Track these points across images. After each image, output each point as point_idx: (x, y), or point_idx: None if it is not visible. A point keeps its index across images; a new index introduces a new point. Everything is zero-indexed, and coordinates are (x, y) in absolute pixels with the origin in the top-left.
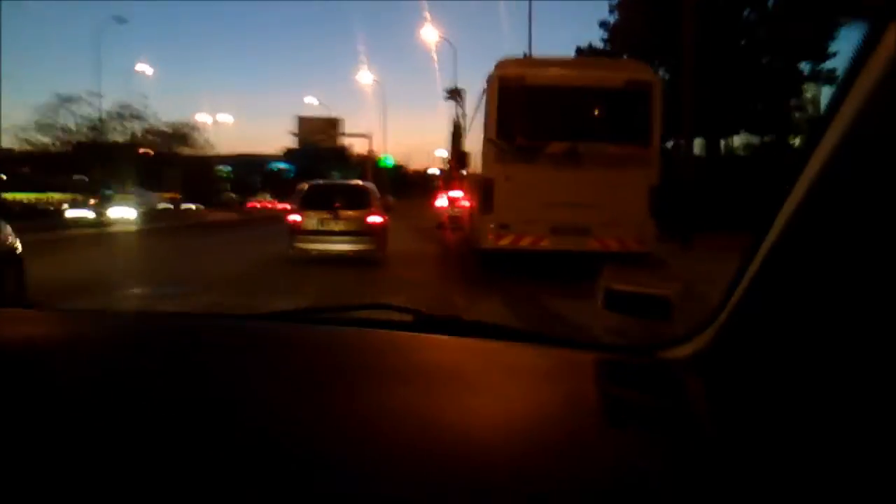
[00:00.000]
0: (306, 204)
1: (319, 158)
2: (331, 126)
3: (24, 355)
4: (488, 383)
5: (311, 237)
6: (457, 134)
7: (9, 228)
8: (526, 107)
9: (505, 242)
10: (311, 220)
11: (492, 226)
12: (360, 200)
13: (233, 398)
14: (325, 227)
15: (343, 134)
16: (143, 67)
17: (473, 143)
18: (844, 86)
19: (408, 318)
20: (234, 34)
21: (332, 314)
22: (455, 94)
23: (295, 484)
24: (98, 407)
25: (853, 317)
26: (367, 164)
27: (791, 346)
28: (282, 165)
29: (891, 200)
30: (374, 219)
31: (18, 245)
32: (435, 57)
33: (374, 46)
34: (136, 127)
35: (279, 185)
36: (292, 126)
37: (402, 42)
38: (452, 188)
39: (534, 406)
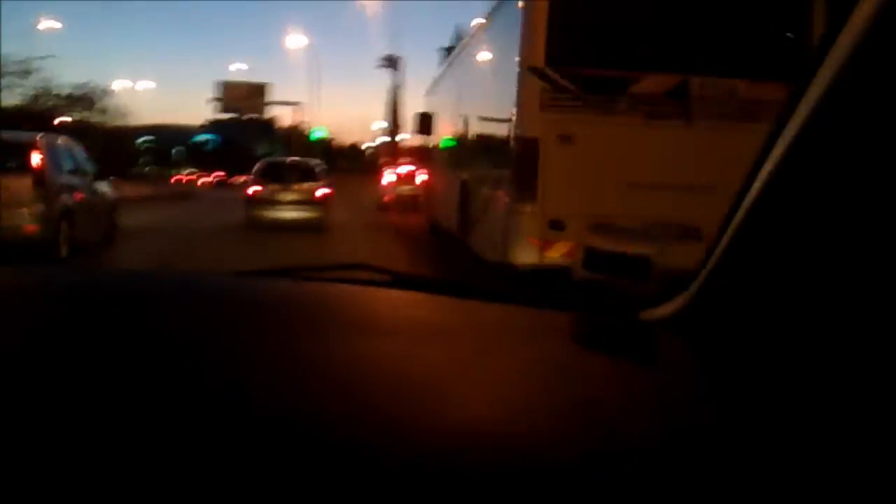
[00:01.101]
0: (262, 177)
1: (245, 130)
2: (257, 93)
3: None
4: (466, 337)
5: (268, 206)
6: (395, 102)
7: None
8: (598, 12)
9: (558, 254)
10: (267, 192)
11: (535, 224)
12: (308, 175)
13: (210, 353)
14: (279, 198)
15: (271, 102)
16: (50, 24)
17: (437, 104)
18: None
19: (385, 277)
20: None
21: (308, 273)
22: (391, 62)
23: (273, 435)
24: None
25: (835, 274)
26: (293, 137)
27: (773, 304)
28: (206, 137)
29: (871, 156)
30: (322, 191)
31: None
32: (372, 24)
33: (307, 11)
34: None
35: (204, 158)
36: (216, 93)
37: (337, 8)
38: (398, 162)
39: (511, 360)
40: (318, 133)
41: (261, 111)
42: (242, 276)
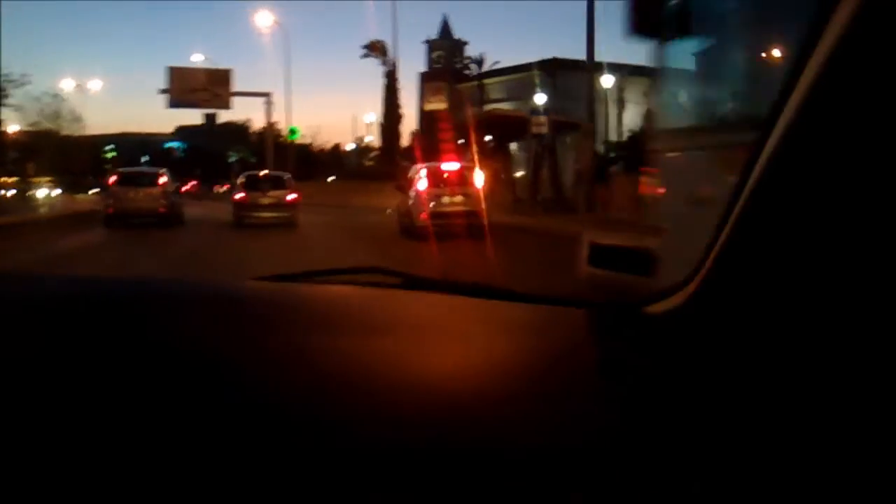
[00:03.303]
0: (245, 187)
1: (216, 137)
2: (217, 80)
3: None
4: (477, 335)
5: (250, 209)
6: (391, 88)
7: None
8: None
9: None
10: (250, 198)
11: None
12: (280, 184)
13: (223, 357)
14: (259, 202)
15: (236, 93)
16: None
17: None
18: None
19: (396, 280)
20: None
21: (319, 277)
22: (377, 49)
23: (291, 435)
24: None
25: (842, 267)
26: (266, 143)
27: (778, 297)
28: (175, 145)
29: (866, 152)
30: (291, 196)
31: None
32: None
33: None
34: None
35: (171, 167)
36: (166, 83)
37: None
38: (427, 161)
39: (521, 357)
40: (295, 133)
41: (225, 104)
42: (260, 281)
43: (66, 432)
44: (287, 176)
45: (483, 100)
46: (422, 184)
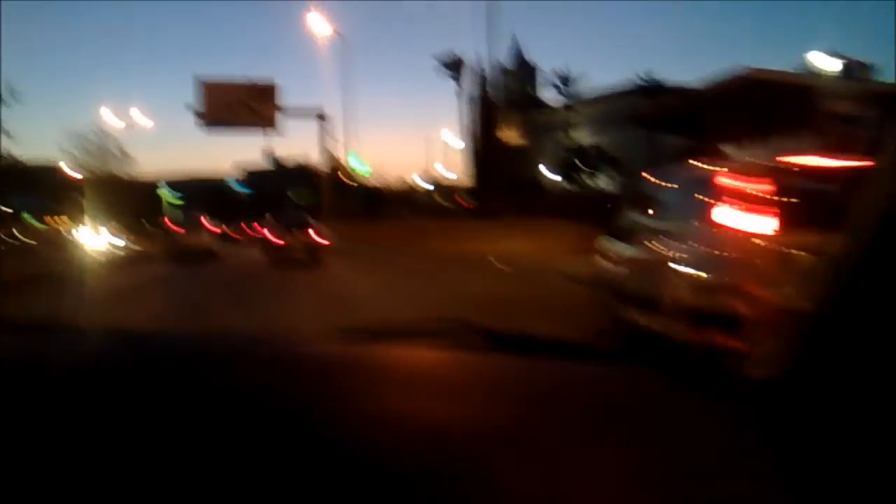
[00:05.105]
0: (277, 228)
1: (283, 179)
2: (259, 96)
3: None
4: (558, 406)
5: (281, 249)
6: (487, 113)
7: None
8: None
9: None
10: (281, 238)
11: None
12: (307, 225)
13: (300, 419)
14: (288, 241)
15: (281, 109)
16: None
17: None
18: None
19: (477, 334)
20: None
21: (397, 330)
22: (455, 67)
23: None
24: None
25: None
26: (324, 182)
27: (891, 360)
28: (238, 188)
29: None
30: (314, 236)
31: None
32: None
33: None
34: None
35: (234, 208)
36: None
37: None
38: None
39: (608, 426)
40: (356, 163)
41: (269, 123)
42: (344, 333)
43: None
44: (309, 217)
45: (566, 127)
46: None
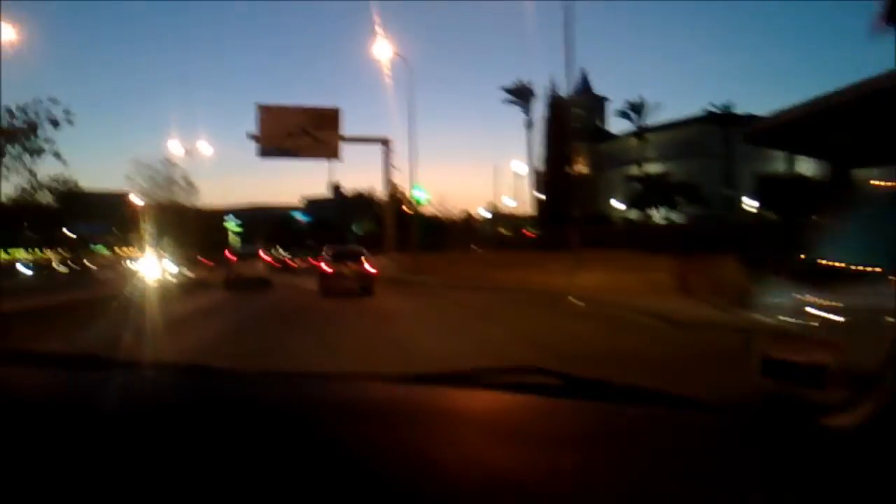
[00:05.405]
0: (331, 259)
1: (341, 208)
2: (320, 122)
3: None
4: (637, 454)
5: (335, 279)
6: (556, 139)
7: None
8: None
9: None
10: (334, 269)
11: None
12: (359, 257)
13: (380, 467)
14: (341, 272)
15: (345, 138)
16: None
17: None
18: None
19: (556, 381)
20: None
21: (477, 377)
22: (522, 96)
23: None
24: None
25: None
26: (386, 213)
27: None
28: (300, 216)
29: None
30: (367, 268)
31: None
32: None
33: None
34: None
35: (293, 239)
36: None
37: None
38: None
39: (685, 473)
40: (420, 194)
41: (332, 152)
42: (420, 381)
43: None
44: (363, 250)
45: (636, 157)
46: None
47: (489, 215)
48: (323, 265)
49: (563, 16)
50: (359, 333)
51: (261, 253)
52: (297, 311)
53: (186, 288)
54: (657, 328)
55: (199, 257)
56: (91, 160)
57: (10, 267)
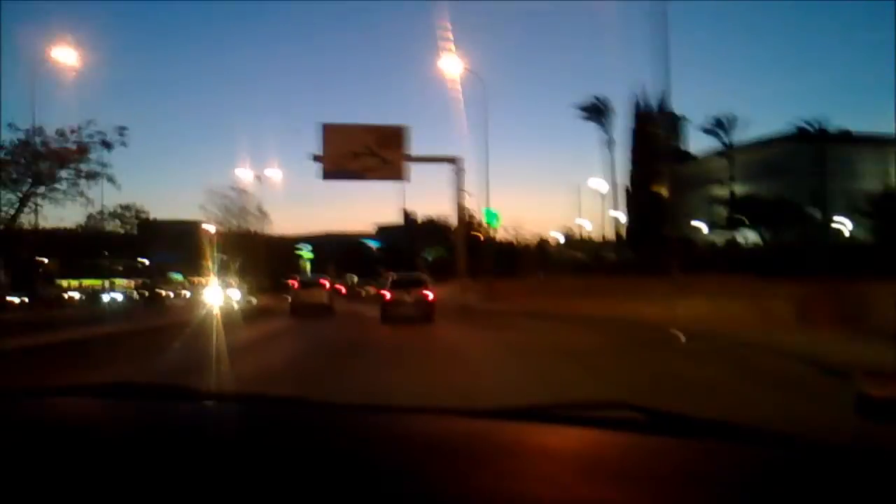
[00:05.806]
0: (392, 286)
1: (413, 234)
2: (385, 141)
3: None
4: (728, 494)
5: (395, 306)
6: (641, 157)
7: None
8: None
9: None
10: (397, 296)
11: None
12: (420, 284)
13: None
14: (402, 299)
15: (412, 157)
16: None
17: None
18: None
19: (640, 416)
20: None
21: (562, 412)
22: (599, 111)
23: None
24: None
25: None
26: (457, 238)
27: None
28: (371, 243)
29: None
30: (429, 294)
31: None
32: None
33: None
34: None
35: (361, 265)
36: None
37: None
38: None
39: None
40: (491, 218)
41: (397, 173)
42: (500, 416)
43: None
44: (426, 277)
45: (720, 177)
46: None
47: (563, 239)
48: (384, 291)
49: (651, 25)
50: (425, 372)
51: (323, 281)
52: (352, 345)
53: (249, 315)
54: (809, 379)
55: (269, 284)
56: (151, 186)
57: (94, 294)
